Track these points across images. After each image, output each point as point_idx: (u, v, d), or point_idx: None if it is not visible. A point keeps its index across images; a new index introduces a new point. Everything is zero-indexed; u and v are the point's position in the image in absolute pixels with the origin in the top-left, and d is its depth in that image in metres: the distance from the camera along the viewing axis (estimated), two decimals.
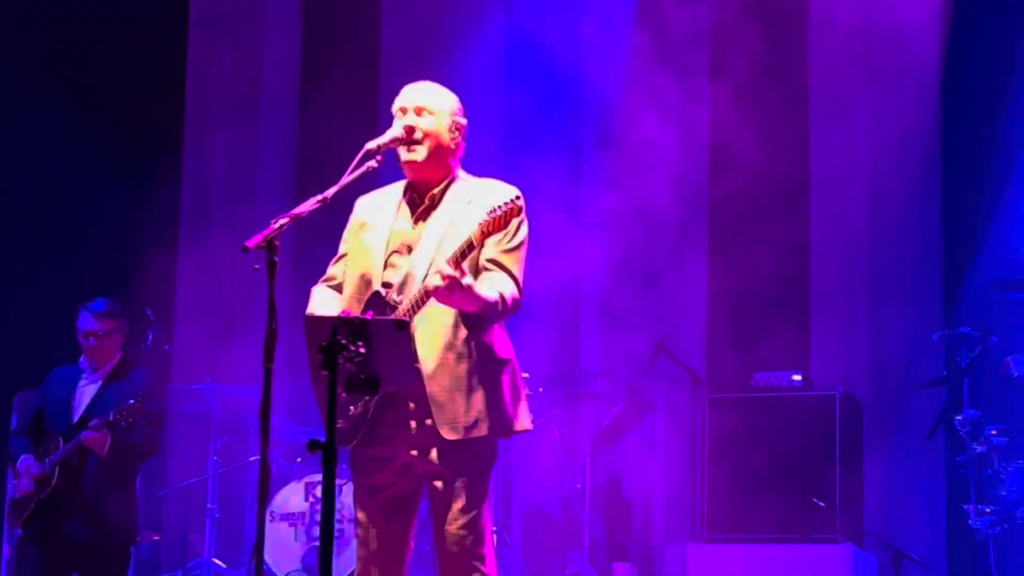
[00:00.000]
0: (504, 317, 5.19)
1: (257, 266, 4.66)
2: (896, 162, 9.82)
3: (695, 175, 10.31)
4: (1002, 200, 9.44)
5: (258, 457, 4.46)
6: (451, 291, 4.90)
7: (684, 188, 10.27)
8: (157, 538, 10.30)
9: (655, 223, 10.20)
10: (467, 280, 4.93)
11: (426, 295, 5.02)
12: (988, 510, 7.89)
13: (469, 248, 4.98)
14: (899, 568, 8.39)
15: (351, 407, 5.13)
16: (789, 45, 10.07)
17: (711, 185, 10.31)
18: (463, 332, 5.18)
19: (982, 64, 9.63)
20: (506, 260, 5.21)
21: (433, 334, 5.16)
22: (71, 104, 10.80)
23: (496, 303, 5.07)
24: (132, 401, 7.64)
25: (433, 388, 5.13)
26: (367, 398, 5.10)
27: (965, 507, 8.03)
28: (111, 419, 7.60)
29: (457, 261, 4.94)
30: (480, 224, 4.93)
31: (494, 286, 5.12)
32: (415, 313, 5.08)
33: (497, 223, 4.93)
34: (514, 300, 5.17)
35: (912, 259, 9.75)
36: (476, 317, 5.11)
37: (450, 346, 5.16)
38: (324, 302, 5.37)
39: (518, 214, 4.99)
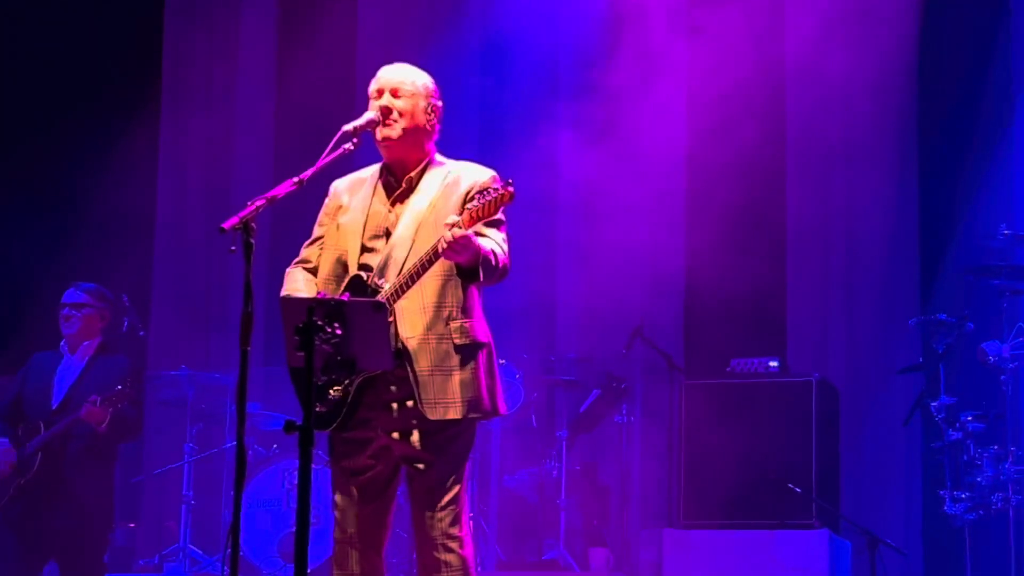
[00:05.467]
0: (494, 277, 5.13)
1: (233, 247, 4.64)
2: (873, 148, 9.83)
3: (672, 161, 10.30)
4: (978, 186, 9.46)
5: (234, 444, 4.43)
6: (458, 251, 4.91)
7: (662, 173, 10.26)
8: (133, 525, 10.29)
9: (632, 209, 10.18)
10: (468, 231, 4.92)
11: (434, 255, 4.99)
12: (964, 496, 7.91)
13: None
14: (875, 553, 8.41)
15: (331, 391, 5.11)
16: (766, 22, 10.04)
17: (688, 170, 10.30)
18: (444, 314, 5.17)
19: (958, 51, 9.65)
20: (489, 232, 5.18)
21: (415, 316, 5.14)
22: (44, 90, 10.75)
23: (491, 256, 5.06)
24: (120, 387, 7.65)
25: (414, 369, 5.11)
26: (347, 382, 5.08)
27: (941, 493, 8.05)
28: (113, 394, 7.62)
29: (470, 221, 4.92)
30: (469, 209, 4.92)
31: (487, 243, 5.11)
32: (400, 296, 5.07)
33: (488, 208, 4.92)
34: (504, 263, 5.15)
35: (889, 245, 9.76)
36: (471, 270, 5.06)
37: (431, 327, 5.14)
38: (299, 284, 5.34)
39: (510, 200, 4.97)
